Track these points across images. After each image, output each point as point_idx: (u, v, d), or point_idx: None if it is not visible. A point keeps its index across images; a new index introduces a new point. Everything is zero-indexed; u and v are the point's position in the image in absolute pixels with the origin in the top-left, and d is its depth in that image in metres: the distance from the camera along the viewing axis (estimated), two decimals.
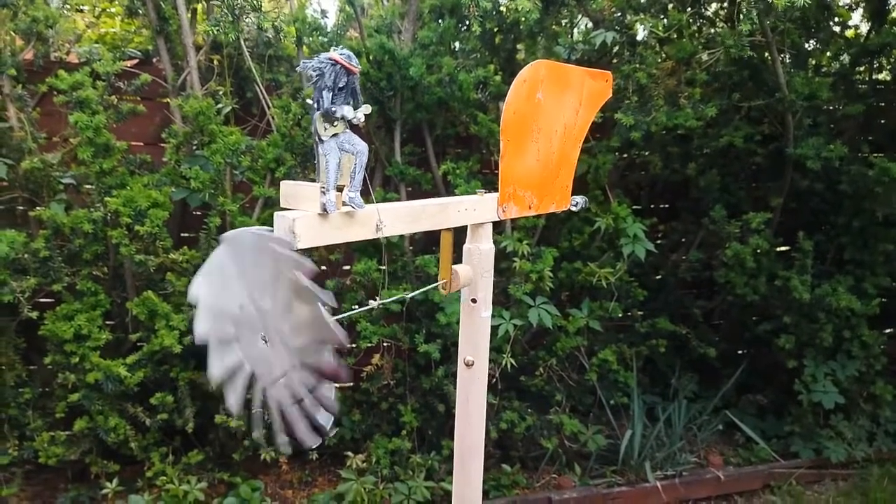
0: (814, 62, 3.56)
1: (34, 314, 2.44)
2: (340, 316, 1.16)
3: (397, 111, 2.93)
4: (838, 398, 3.20)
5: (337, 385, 0.87)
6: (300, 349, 0.82)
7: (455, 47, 3.18)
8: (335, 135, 0.91)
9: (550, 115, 1.24)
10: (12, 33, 2.66)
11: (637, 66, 2.82)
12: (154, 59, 2.95)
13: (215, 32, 2.64)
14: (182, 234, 2.92)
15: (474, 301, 1.22)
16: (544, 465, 3.15)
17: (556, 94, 1.23)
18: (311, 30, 2.82)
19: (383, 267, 2.87)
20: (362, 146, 0.93)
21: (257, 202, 2.78)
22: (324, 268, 3.00)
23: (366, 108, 0.93)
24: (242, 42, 2.75)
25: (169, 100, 2.81)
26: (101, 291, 2.60)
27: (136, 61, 2.97)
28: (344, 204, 0.94)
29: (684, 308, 3.61)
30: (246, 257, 0.82)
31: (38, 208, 2.56)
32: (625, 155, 3.34)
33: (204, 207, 2.72)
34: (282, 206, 0.93)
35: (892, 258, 3.39)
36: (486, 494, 2.95)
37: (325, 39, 2.86)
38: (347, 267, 2.94)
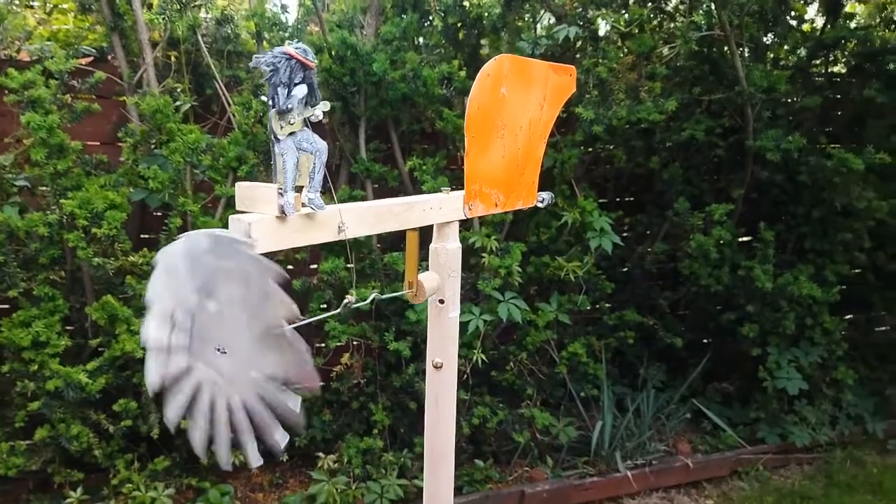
0: (772, 55, 3.63)
1: None
2: (313, 318, 1.12)
3: (361, 107, 2.90)
4: (802, 384, 3.27)
5: (304, 398, 0.83)
6: (262, 360, 0.78)
7: (419, 42, 3.16)
8: (292, 133, 0.88)
9: (515, 111, 1.22)
10: None
11: (598, 60, 2.83)
12: (109, 57, 2.87)
13: (162, 21, 2.57)
14: (142, 236, 2.85)
15: (442, 302, 1.20)
16: (517, 458, 3.15)
17: (521, 89, 1.21)
18: (271, 24, 2.78)
19: (351, 265, 2.84)
20: (321, 144, 0.90)
21: (220, 202, 2.73)
22: (290, 267, 2.96)
23: (324, 105, 0.90)
24: (200, 37, 2.69)
25: (125, 98, 2.74)
26: (59, 296, 2.52)
27: (90, 59, 2.88)
28: (303, 205, 0.90)
29: (651, 299, 3.66)
30: (203, 261, 0.76)
31: None
32: (590, 149, 3.36)
33: (164, 208, 2.66)
34: (237, 208, 0.89)
35: (851, 247, 3.47)
36: (458, 490, 2.94)
37: (286, 34, 2.82)
38: (314, 266, 2.91)
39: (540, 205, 1.37)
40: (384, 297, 1.16)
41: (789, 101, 3.53)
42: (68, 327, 2.64)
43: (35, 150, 2.39)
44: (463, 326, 2.77)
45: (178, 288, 0.76)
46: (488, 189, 1.22)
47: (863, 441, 3.57)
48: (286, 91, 0.84)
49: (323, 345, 2.87)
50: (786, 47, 3.65)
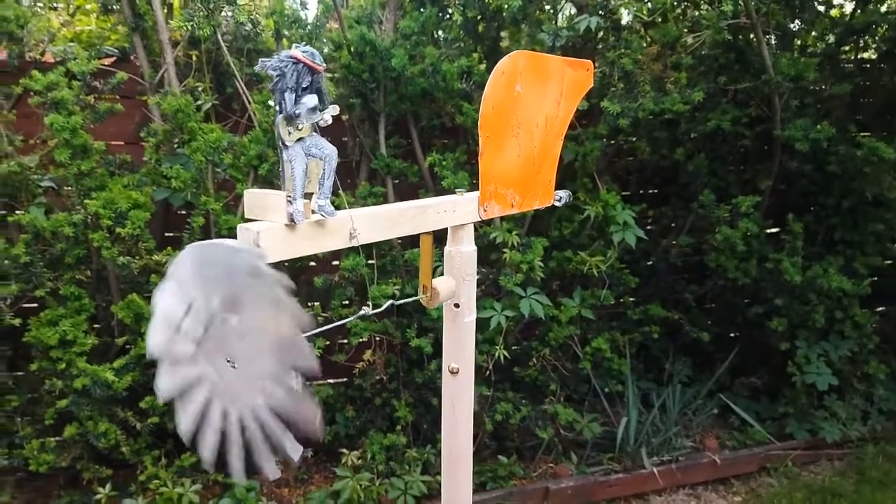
0: (799, 43, 3.54)
1: (17, 321, 2.39)
2: (325, 328, 1.08)
3: (381, 103, 2.89)
4: (832, 379, 3.20)
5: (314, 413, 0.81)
6: (270, 372, 0.77)
7: (438, 36, 3.14)
8: (300, 139, 0.86)
9: (531, 108, 1.19)
10: None
11: (622, 51, 2.79)
12: (132, 57, 2.90)
13: (189, 28, 2.58)
14: (166, 235, 2.88)
15: (457, 306, 1.17)
16: (541, 454, 3.13)
17: (536, 85, 1.18)
18: (290, 22, 2.77)
19: (372, 262, 2.84)
20: (331, 150, 0.88)
21: (241, 200, 2.74)
22: (312, 264, 2.96)
23: (333, 109, 0.88)
24: (220, 36, 2.70)
25: (147, 98, 2.76)
26: (85, 295, 2.55)
27: (113, 59, 2.91)
28: (313, 212, 0.88)
29: (676, 293, 3.60)
30: (214, 272, 0.75)
31: (17, 213, 2.51)
32: (612, 141, 3.31)
33: (187, 207, 2.67)
34: (246, 216, 0.87)
35: (882, 238, 3.39)
36: (482, 486, 2.94)
37: (305, 32, 2.81)
38: (336, 262, 2.91)
39: (557, 203, 1.34)
40: (399, 302, 1.15)
41: (818, 89, 3.44)
42: (95, 326, 2.68)
43: (59, 151, 2.42)
44: (485, 323, 2.76)
45: (190, 297, 0.75)
46: (504, 189, 1.19)
47: (895, 436, 3.49)
48: (293, 96, 0.83)
49: (345, 341, 2.88)
50: (814, 34, 3.56)
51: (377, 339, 2.87)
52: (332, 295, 2.78)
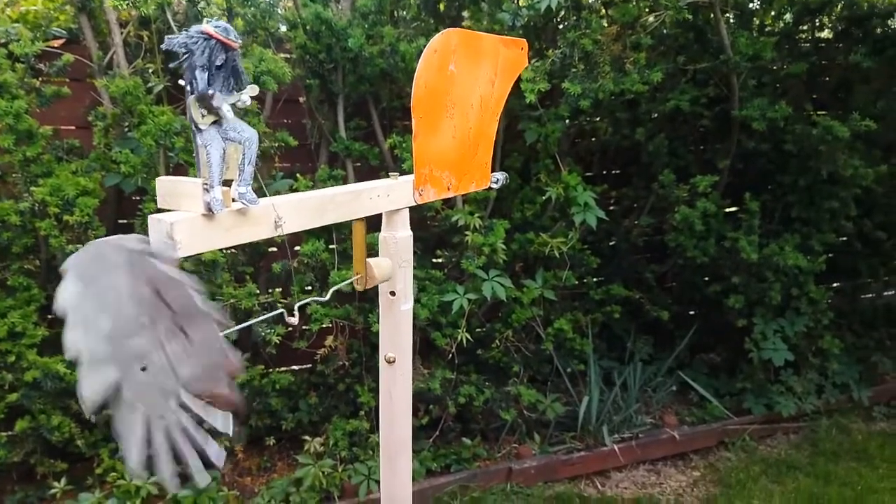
0: (757, 21, 3.56)
1: None
2: (238, 327, 1.01)
3: (339, 84, 2.83)
4: (788, 355, 3.27)
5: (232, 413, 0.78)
6: (188, 376, 0.73)
7: (397, 16, 3.08)
8: (216, 122, 0.80)
9: (465, 88, 1.15)
10: None
11: (582, 32, 2.77)
12: (81, 39, 2.79)
13: (126, 6, 2.49)
14: (119, 222, 2.80)
15: (393, 294, 1.14)
16: (504, 435, 3.16)
17: (470, 64, 1.14)
18: (243, 0, 2.69)
19: (333, 246, 2.81)
20: (250, 133, 0.82)
21: None
22: (273, 249, 2.91)
23: (251, 90, 0.82)
24: (170, 17, 2.61)
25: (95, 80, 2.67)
26: (35, 286, 2.47)
27: (62, 41, 2.79)
28: (233, 201, 0.83)
29: (637, 273, 3.64)
30: (115, 274, 0.70)
31: None
32: (575, 122, 3.31)
33: (140, 192, 2.60)
34: (159, 206, 0.81)
35: (837, 215, 3.46)
36: (447, 468, 2.95)
37: (258, 10, 2.73)
38: (298, 247, 2.87)
39: (494, 185, 1.31)
40: (324, 298, 1.11)
41: (775, 68, 3.48)
42: (46, 317, 2.60)
43: (3, 136, 2.33)
44: (448, 305, 2.75)
45: (95, 297, 0.71)
46: (439, 172, 1.15)
47: (848, 409, 3.60)
48: (206, 75, 0.76)
49: (307, 327, 2.85)
50: (772, 13, 3.59)
51: (339, 324, 2.85)
52: (292, 281, 2.75)
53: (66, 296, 0.70)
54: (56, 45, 2.70)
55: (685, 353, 3.67)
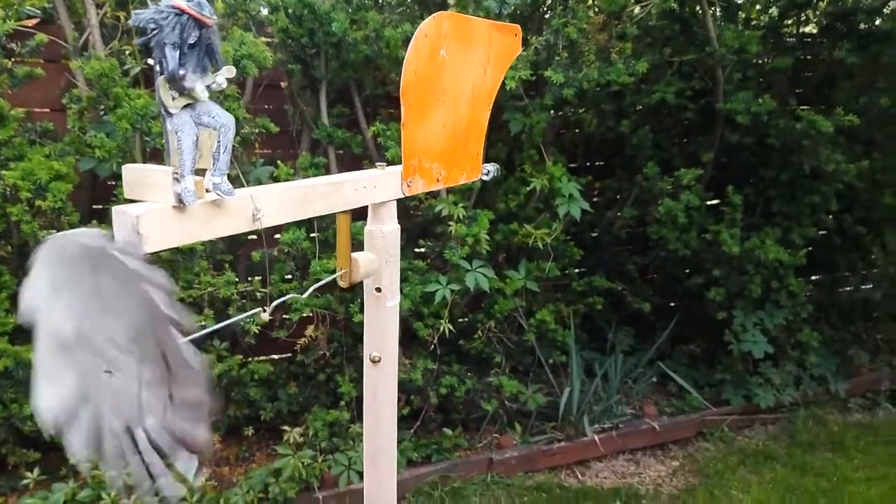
0: (743, 15, 3.56)
1: None
2: (205, 331, 0.95)
3: (322, 70, 2.78)
4: (767, 347, 3.30)
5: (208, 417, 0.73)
6: (154, 381, 0.68)
7: (381, 0, 3.03)
8: (189, 105, 0.74)
9: (457, 75, 1.10)
10: None
11: (567, 20, 2.74)
12: (56, 19, 2.71)
13: None
14: (94, 207, 2.73)
15: (378, 290, 1.09)
16: (485, 426, 3.15)
17: (462, 50, 1.09)
18: None
19: (314, 235, 2.77)
20: (226, 118, 0.77)
21: None
22: (253, 237, 2.87)
23: (228, 71, 0.76)
24: None
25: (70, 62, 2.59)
26: (6, 272, 2.41)
27: (35, 21, 2.71)
28: (207, 192, 0.77)
29: (620, 265, 3.64)
30: (76, 270, 0.64)
31: None
32: (560, 113, 3.29)
33: (116, 177, 2.54)
34: (126, 196, 0.76)
35: (818, 209, 3.48)
36: (427, 459, 2.94)
37: None
38: (277, 235, 2.82)
39: (485, 177, 1.27)
40: (304, 295, 1.06)
41: (760, 62, 3.48)
42: (17, 304, 2.54)
43: None
44: (430, 296, 2.73)
45: (57, 297, 0.66)
46: (429, 163, 1.10)
47: (825, 401, 3.64)
48: (177, 53, 0.70)
49: (287, 317, 2.81)
50: (757, 7, 3.59)
51: (320, 314, 2.81)
52: (272, 270, 2.71)
53: (30, 294, 0.66)
54: (29, 25, 2.61)
55: (666, 344, 3.68)
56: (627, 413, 3.35)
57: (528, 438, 3.13)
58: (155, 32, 0.69)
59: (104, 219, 2.46)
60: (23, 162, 2.28)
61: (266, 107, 2.94)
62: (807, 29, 3.73)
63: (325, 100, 2.85)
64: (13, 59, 2.48)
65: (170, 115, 0.73)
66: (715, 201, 3.57)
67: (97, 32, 2.55)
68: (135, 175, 0.75)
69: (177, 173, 0.73)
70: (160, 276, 0.65)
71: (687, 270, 3.58)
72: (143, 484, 0.70)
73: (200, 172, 0.77)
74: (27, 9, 2.66)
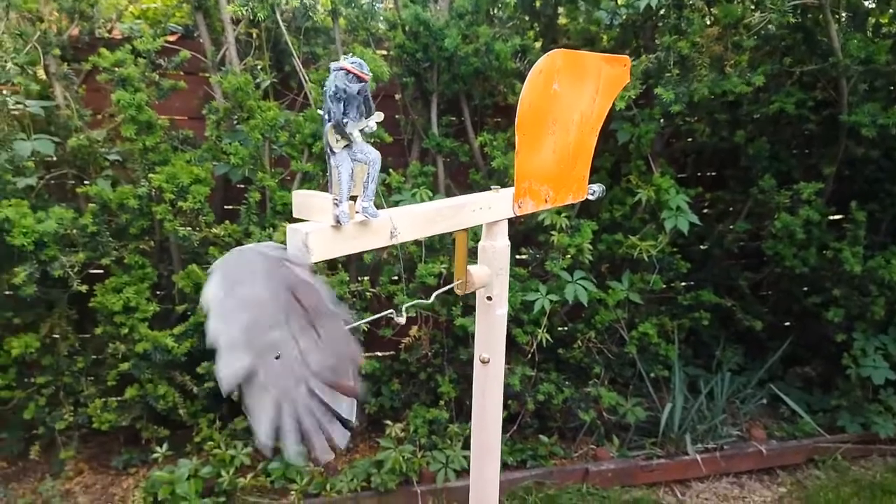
0: (873, 21, 3.37)
1: (84, 287, 2.53)
2: (362, 321, 1.14)
3: (434, 83, 2.90)
4: (889, 374, 3.10)
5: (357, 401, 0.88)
6: (318, 367, 0.83)
7: (493, 14, 3.12)
8: (347, 145, 0.90)
9: (567, 106, 1.19)
10: (56, 13, 2.72)
11: (678, 36, 2.71)
12: (195, 35, 2.98)
13: (244, 12, 2.64)
14: (225, 208, 2.98)
15: (489, 299, 1.20)
16: (582, 436, 3.16)
17: (573, 83, 1.19)
18: (347, 1, 2.80)
19: (421, 239, 2.88)
20: (374, 155, 0.92)
21: (295, 176, 2.81)
22: None
23: (377, 116, 0.91)
24: (279, 15, 2.75)
25: (209, 76, 2.84)
26: (148, 265, 2.68)
27: (177, 36, 3.00)
28: (357, 213, 0.93)
29: (730, 279, 3.53)
30: (255, 276, 0.81)
31: (85, 184, 2.64)
32: (670, 122, 3.24)
33: (245, 181, 2.76)
34: (294, 216, 0.92)
35: None
36: (523, 464, 2.98)
37: (360, 11, 2.83)
38: None
39: (591, 197, 1.35)
40: (428, 302, 1.17)
41: (889, 72, 3.28)
42: (157, 293, 2.81)
43: (125, 126, 2.53)
44: (530, 305, 2.77)
45: (236, 295, 0.80)
46: (538, 186, 1.20)
47: None
48: (341, 105, 0.86)
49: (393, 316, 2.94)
50: (889, 13, 3.38)
51: (424, 315, 2.93)
52: (381, 271, 2.84)
53: (211, 292, 0.81)
54: (171, 41, 2.90)
55: (778, 365, 3.53)
56: (733, 434, 3.24)
57: (625, 452, 3.10)
58: (334, 93, 0.85)
59: (235, 220, 2.68)
60: (167, 166, 2.53)
61: (381, 112, 3.09)
62: None
63: (436, 110, 2.97)
64: (159, 73, 2.75)
65: (333, 153, 0.89)
66: (837, 217, 3.39)
67: (233, 49, 2.78)
68: (302, 199, 0.92)
69: (336, 199, 0.89)
70: (320, 281, 0.81)
71: (804, 288, 3.43)
72: (312, 438, 0.84)
73: (353, 198, 0.92)
74: (170, 26, 2.95)
